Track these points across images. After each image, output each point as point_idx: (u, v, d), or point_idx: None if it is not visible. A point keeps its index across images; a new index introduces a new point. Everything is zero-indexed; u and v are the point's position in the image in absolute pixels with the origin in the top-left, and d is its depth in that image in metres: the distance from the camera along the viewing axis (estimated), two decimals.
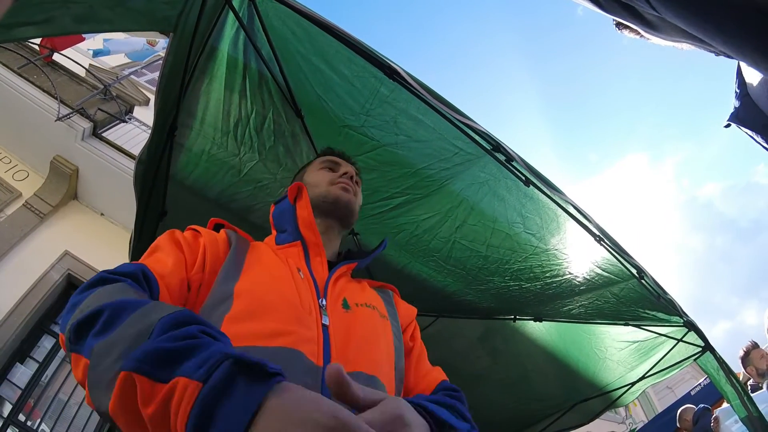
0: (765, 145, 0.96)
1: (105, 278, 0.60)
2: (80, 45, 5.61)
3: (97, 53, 5.23)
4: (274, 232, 0.94)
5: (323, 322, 0.68)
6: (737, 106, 1.00)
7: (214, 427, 0.35)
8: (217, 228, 0.88)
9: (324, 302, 0.72)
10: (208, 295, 0.68)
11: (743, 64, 0.94)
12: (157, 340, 0.42)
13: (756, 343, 3.44)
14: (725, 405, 3.11)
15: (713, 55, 0.83)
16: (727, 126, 1.04)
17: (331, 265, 0.85)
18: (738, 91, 0.99)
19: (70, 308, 0.56)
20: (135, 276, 0.61)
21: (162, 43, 5.57)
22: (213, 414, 0.35)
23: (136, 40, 5.59)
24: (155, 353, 0.40)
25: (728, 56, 0.77)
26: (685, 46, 0.93)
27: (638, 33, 0.99)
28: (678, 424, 3.97)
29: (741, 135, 1.07)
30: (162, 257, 0.70)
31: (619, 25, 1.01)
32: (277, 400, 0.36)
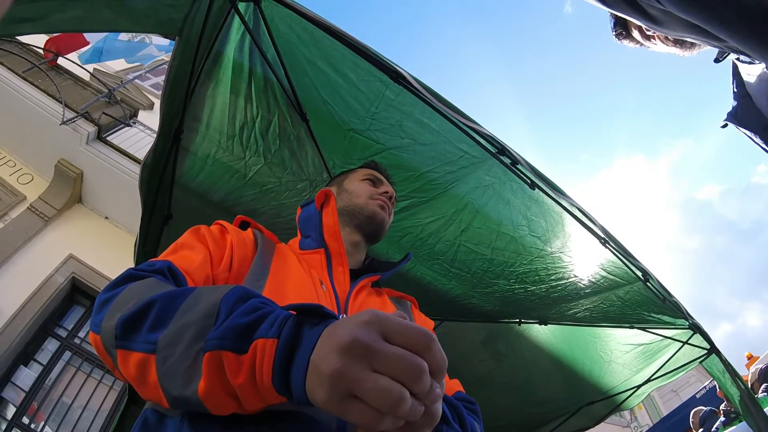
0: (764, 146, 0.95)
1: (134, 275, 0.59)
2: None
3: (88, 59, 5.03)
4: (299, 236, 0.94)
5: None
6: (735, 105, 0.99)
7: (293, 368, 0.41)
8: (243, 226, 0.87)
9: (345, 317, 0.72)
10: None
11: (739, 64, 0.94)
12: (231, 318, 0.45)
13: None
14: (738, 425, 3.06)
15: (716, 50, 0.82)
16: (724, 126, 1.03)
17: (354, 274, 0.85)
18: (736, 91, 0.98)
19: (101, 306, 0.54)
20: (162, 272, 0.61)
21: (158, 45, 5.48)
22: (292, 358, 0.41)
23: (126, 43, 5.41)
24: (235, 329, 0.43)
25: (734, 51, 0.77)
26: (686, 53, 0.93)
27: (638, 42, 1.00)
28: (691, 424, 3.97)
29: (738, 135, 1.06)
30: (187, 254, 0.69)
31: (619, 35, 1.03)
32: (328, 329, 0.42)
